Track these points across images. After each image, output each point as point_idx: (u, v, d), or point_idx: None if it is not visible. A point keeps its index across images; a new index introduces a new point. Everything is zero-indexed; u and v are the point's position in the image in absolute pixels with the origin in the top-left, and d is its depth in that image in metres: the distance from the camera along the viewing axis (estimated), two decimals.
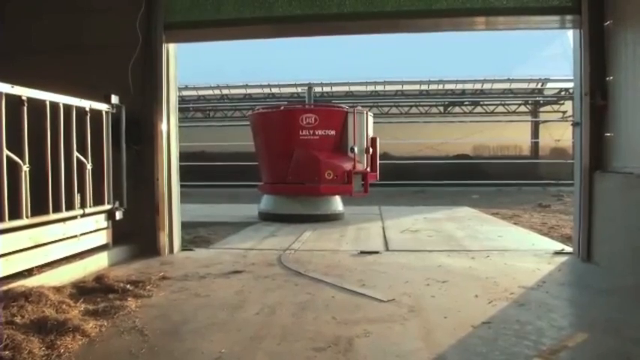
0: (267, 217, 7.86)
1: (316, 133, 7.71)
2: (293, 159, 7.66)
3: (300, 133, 7.70)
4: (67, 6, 4.87)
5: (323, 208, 7.86)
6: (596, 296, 3.32)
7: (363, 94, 20.62)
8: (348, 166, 7.54)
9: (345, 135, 7.80)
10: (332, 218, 7.84)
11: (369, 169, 7.88)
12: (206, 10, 4.80)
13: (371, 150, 7.98)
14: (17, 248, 3.23)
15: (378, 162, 8.36)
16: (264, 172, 8.43)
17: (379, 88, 20.43)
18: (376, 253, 4.95)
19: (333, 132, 7.78)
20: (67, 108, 3.86)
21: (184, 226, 5.45)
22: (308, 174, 7.50)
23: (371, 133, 8.27)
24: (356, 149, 7.72)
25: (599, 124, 4.33)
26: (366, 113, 8.03)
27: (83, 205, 4.03)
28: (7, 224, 3.14)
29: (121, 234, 4.50)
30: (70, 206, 3.86)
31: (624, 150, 4.05)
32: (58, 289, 3.16)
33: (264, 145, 8.36)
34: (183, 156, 5.63)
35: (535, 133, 20.95)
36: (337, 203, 8.13)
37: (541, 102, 20.84)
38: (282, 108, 8.76)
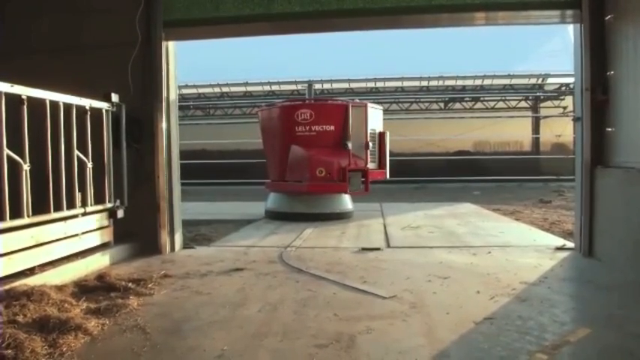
0: (272, 216, 7.71)
1: (312, 129, 7.45)
2: (289, 156, 7.49)
3: (297, 129, 7.48)
4: (67, 6, 4.87)
5: (331, 206, 7.60)
6: (598, 292, 3.32)
7: (363, 91, 20.61)
8: (343, 162, 7.16)
9: (346, 131, 7.52)
10: (340, 217, 7.55)
11: (370, 166, 7.57)
12: (205, 8, 4.79)
13: (371, 145, 7.61)
14: (19, 247, 3.24)
15: (388, 158, 8.02)
16: (269, 169, 8.30)
17: (379, 84, 20.41)
18: (377, 249, 4.95)
19: (331, 127, 7.47)
20: (67, 107, 3.87)
21: (185, 224, 5.46)
22: (300, 171, 7.27)
23: (378, 128, 8.00)
24: (349, 145, 7.32)
25: (600, 119, 4.32)
26: (366, 107, 7.65)
27: (84, 204, 4.04)
28: (9, 223, 3.14)
29: (122, 232, 4.50)
30: (71, 205, 3.87)
31: (625, 145, 4.04)
32: (59, 288, 3.17)
33: (267, 142, 8.28)
34: (184, 154, 5.63)
35: (536, 129, 20.94)
36: (346, 201, 7.86)
37: (542, 97, 20.79)
38: (278, 104, 8.54)
